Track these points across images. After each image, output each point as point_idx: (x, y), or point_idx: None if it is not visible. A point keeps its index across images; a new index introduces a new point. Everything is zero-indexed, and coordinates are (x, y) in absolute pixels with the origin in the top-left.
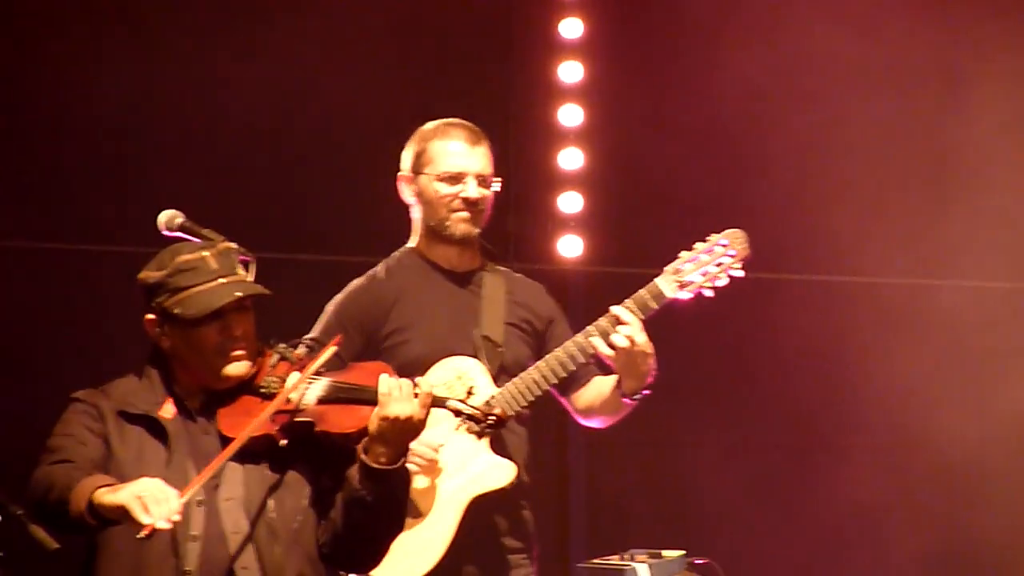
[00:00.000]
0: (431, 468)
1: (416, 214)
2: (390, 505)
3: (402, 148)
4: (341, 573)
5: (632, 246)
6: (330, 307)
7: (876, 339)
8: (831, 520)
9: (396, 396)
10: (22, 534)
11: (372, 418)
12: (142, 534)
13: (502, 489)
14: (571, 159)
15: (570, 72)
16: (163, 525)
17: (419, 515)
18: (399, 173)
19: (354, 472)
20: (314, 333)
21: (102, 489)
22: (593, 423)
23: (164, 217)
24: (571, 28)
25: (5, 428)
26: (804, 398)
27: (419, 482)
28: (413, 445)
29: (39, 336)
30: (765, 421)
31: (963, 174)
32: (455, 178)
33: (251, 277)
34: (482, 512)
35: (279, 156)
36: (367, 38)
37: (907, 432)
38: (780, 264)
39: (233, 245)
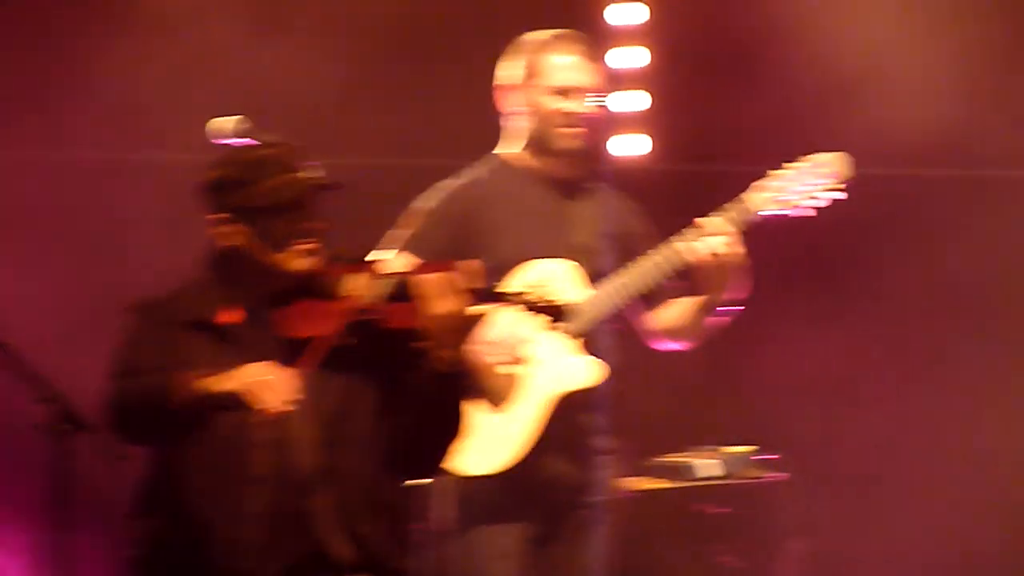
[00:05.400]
0: (517, 363)
1: (517, 123)
2: (442, 410)
3: (486, 54)
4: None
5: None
6: (417, 205)
7: None
8: None
9: (433, 293)
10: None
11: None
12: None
13: (591, 389)
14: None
15: None
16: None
17: (504, 408)
18: (499, 82)
19: (411, 377)
20: (398, 231)
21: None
22: (670, 346)
23: (230, 123)
24: None
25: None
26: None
27: (505, 376)
28: (499, 338)
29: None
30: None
31: None
32: (567, 93)
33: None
34: (572, 411)
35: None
36: None
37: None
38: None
39: (298, 146)
